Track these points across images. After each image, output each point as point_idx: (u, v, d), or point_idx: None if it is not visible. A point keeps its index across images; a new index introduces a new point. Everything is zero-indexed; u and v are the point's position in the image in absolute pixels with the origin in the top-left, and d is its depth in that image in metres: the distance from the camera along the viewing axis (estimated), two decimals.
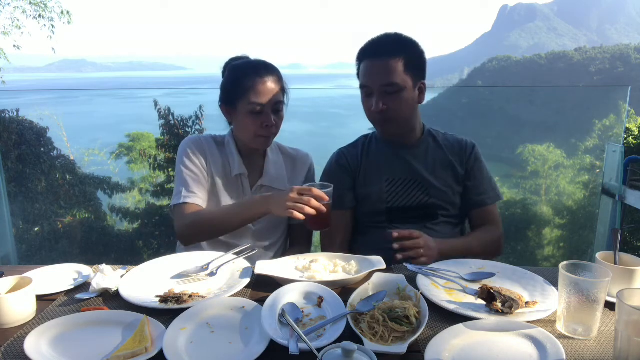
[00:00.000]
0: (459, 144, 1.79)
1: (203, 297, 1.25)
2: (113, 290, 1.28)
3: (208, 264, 1.43)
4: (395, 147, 1.76)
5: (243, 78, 1.65)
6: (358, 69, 1.69)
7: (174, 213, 1.69)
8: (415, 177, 1.73)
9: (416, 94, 1.66)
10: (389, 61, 1.58)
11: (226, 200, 1.75)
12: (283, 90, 1.72)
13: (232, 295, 1.24)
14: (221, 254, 1.49)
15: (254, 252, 1.51)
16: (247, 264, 1.44)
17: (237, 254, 1.49)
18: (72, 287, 1.33)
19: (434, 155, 1.76)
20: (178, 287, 1.30)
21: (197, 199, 1.67)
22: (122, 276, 1.35)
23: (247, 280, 1.33)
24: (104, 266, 1.35)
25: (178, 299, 1.21)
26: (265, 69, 1.68)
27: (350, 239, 1.81)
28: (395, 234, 1.44)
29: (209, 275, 1.39)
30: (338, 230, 1.77)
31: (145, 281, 1.34)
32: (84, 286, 1.34)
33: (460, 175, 1.76)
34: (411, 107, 1.66)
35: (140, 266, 1.43)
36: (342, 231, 1.78)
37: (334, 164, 1.83)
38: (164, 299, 1.21)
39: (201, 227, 1.62)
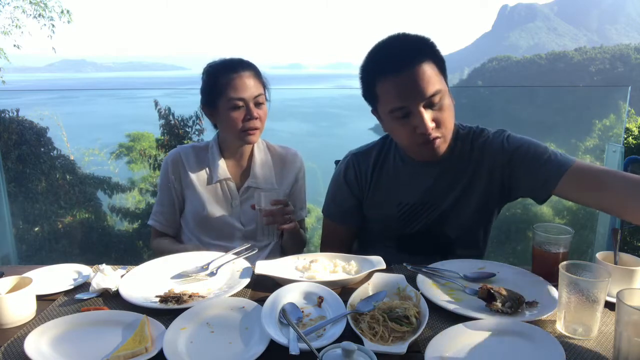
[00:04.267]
0: (499, 146, 1.46)
1: (203, 297, 1.25)
2: (113, 290, 1.28)
3: (208, 264, 1.43)
4: (414, 163, 1.52)
5: (219, 76, 1.66)
6: (372, 90, 1.40)
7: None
8: (430, 200, 1.51)
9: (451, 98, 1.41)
10: (423, 67, 1.30)
11: (213, 206, 1.76)
12: (263, 85, 1.72)
13: (232, 295, 1.25)
14: (221, 254, 1.49)
15: (254, 252, 1.51)
16: (247, 264, 1.44)
17: (237, 254, 1.50)
18: (72, 287, 1.33)
19: (457, 170, 1.49)
20: (178, 287, 1.31)
21: (159, 223, 1.82)
22: (122, 276, 1.36)
23: (247, 280, 1.33)
24: (104, 266, 1.35)
25: (178, 299, 1.21)
26: (240, 64, 1.68)
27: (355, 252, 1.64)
28: None
29: (209, 275, 1.39)
30: (339, 245, 1.67)
31: (145, 281, 1.34)
32: (84, 286, 1.34)
33: (500, 188, 1.47)
34: (453, 113, 1.39)
35: (140, 266, 1.43)
36: (343, 246, 1.67)
37: (342, 177, 1.63)
38: (164, 299, 1.22)
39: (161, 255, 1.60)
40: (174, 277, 1.39)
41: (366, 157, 1.60)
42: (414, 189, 1.53)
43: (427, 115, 1.33)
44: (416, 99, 1.31)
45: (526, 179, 1.42)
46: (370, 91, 1.41)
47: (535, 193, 1.42)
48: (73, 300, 1.26)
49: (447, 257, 1.48)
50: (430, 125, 1.33)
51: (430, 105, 1.33)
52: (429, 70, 1.32)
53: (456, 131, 1.50)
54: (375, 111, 1.47)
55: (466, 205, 1.51)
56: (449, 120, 1.37)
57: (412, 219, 1.56)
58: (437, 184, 1.50)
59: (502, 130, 1.51)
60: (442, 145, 1.39)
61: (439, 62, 1.36)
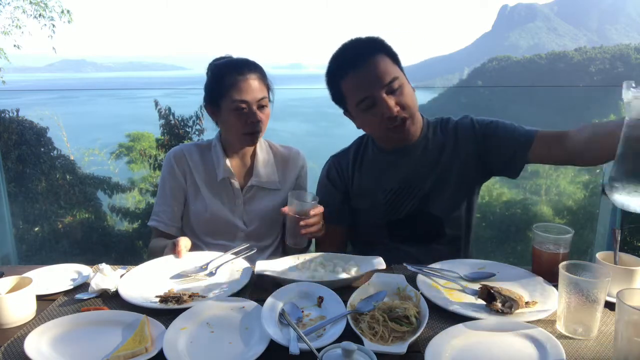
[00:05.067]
0: (470, 128, 1.59)
1: (203, 297, 1.25)
2: (112, 290, 1.28)
3: (207, 264, 1.43)
4: (391, 152, 1.63)
5: (224, 77, 1.65)
6: (338, 93, 1.55)
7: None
8: (412, 184, 1.60)
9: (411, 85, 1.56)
10: (376, 59, 1.46)
11: (216, 204, 1.75)
12: (267, 87, 1.72)
13: (231, 295, 1.25)
14: (220, 254, 1.49)
15: (253, 251, 1.51)
16: (246, 264, 1.44)
17: (236, 254, 1.49)
18: (72, 287, 1.33)
19: (434, 153, 1.60)
20: (177, 287, 1.31)
21: (159, 222, 1.77)
22: (121, 276, 1.35)
23: (246, 280, 1.33)
24: (104, 265, 1.35)
25: (178, 299, 1.21)
26: (246, 66, 1.67)
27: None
28: None
29: (208, 275, 1.39)
30: (332, 247, 1.66)
31: (145, 281, 1.34)
32: (83, 286, 1.34)
33: (476, 165, 1.56)
34: (415, 99, 1.54)
35: (139, 266, 1.43)
36: (336, 248, 1.67)
37: (325, 177, 1.74)
38: (164, 299, 1.22)
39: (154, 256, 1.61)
40: (173, 277, 1.39)
41: (345, 155, 1.74)
42: (395, 175, 1.62)
43: (390, 100, 1.46)
44: (376, 87, 1.45)
45: (500, 150, 1.54)
46: (337, 93, 1.56)
47: (510, 163, 1.53)
48: (73, 300, 1.27)
49: (437, 239, 1.61)
50: (395, 108, 1.46)
51: (391, 91, 1.47)
52: (382, 61, 1.47)
53: (427, 122, 1.65)
54: (347, 112, 1.60)
55: (446, 185, 1.59)
56: (412, 103, 1.50)
57: (398, 204, 1.63)
58: (416, 168, 1.60)
59: (466, 115, 1.64)
60: (411, 127, 1.53)
61: (392, 55, 1.51)
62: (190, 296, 1.24)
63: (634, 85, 0.99)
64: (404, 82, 1.50)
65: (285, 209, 1.48)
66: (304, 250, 1.83)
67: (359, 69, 1.47)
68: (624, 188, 0.93)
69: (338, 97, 1.57)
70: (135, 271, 1.40)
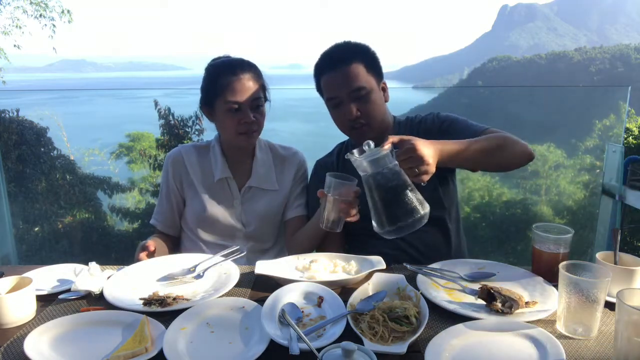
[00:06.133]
0: (431, 122, 1.70)
1: (188, 299, 1.24)
2: (96, 293, 1.27)
3: (195, 266, 1.42)
4: None
5: (218, 77, 1.65)
6: (319, 85, 1.69)
7: None
8: None
9: (382, 94, 1.68)
10: (351, 67, 1.59)
11: (214, 205, 1.75)
12: (262, 87, 1.72)
13: (221, 296, 1.24)
14: (209, 256, 1.49)
15: (242, 254, 1.50)
16: (234, 266, 1.43)
17: (225, 256, 1.49)
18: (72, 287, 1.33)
19: None
20: (164, 290, 1.30)
21: (157, 222, 1.82)
22: (108, 277, 1.34)
23: (234, 282, 1.32)
24: (93, 265, 1.35)
25: (162, 301, 1.20)
26: (239, 66, 1.67)
27: (344, 248, 1.79)
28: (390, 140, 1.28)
29: (196, 278, 1.38)
30: (332, 247, 1.70)
31: (131, 283, 1.33)
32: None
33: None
34: (381, 107, 1.66)
35: (126, 268, 1.41)
36: (333, 242, 1.72)
37: (312, 177, 1.86)
38: (148, 301, 1.21)
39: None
40: (160, 280, 1.37)
41: (330, 156, 1.88)
42: None
43: (353, 105, 1.59)
44: (342, 91, 1.59)
45: None
46: (318, 85, 1.70)
47: None
48: (59, 300, 1.25)
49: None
50: (355, 113, 1.59)
51: (356, 98, 1.59)
52: (356, 69, 1.59)
53: (398, 122, 1.76)
54: (325, 102, 1.72)
55: None
56: (374, 113, 1.62)
57: None
58: None
59: (431, 112, 1.76)
60: (368, 132, 1.62)
61: (371, 65, 1.63)
62: (174, 299, 1.22)
63: (366, 147, 1.28)
64: (372, 91, 1.61)
65: (322, 192, 1.45)
66: (313, 248, 1.83)
67: (334, 71, 1.61)
68: (378, 227, 1.27)
69: (319, 89, 1.72)
70: (122, 273, 1.38)
